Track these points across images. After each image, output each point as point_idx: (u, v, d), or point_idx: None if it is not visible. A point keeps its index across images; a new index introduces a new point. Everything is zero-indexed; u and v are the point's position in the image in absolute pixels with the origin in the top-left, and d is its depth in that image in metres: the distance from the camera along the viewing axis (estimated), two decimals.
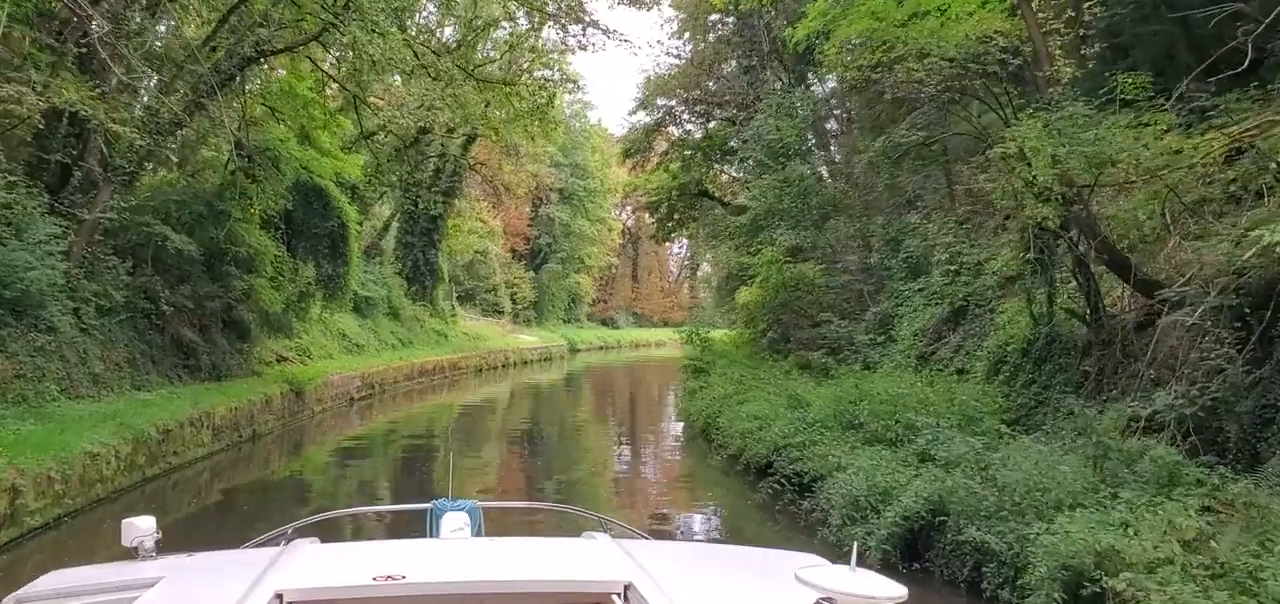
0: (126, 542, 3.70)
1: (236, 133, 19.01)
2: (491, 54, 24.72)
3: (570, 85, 22.58)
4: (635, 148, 34.56)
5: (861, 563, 2.82)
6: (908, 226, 17.75)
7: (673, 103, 32.49)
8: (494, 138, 23.70)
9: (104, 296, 16.12)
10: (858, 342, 16.79)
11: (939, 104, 17.15)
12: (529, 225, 65.24)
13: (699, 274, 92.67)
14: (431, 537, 4.34)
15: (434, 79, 17.76)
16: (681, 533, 12.16)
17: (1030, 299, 12.51)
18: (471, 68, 20.29)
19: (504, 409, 31.59)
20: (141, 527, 3.71)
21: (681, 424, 22.83)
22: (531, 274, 64.27)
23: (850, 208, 18.62)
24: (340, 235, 23.88)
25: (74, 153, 16.27)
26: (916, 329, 15.69)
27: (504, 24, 23.86)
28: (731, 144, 30.94)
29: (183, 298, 18.38)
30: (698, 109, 32.29)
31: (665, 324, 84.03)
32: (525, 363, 48.79)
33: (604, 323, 78.49)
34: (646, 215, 53.84)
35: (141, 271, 17.46)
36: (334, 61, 21.01)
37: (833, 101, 27.12)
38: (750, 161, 27.93)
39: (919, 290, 16.19)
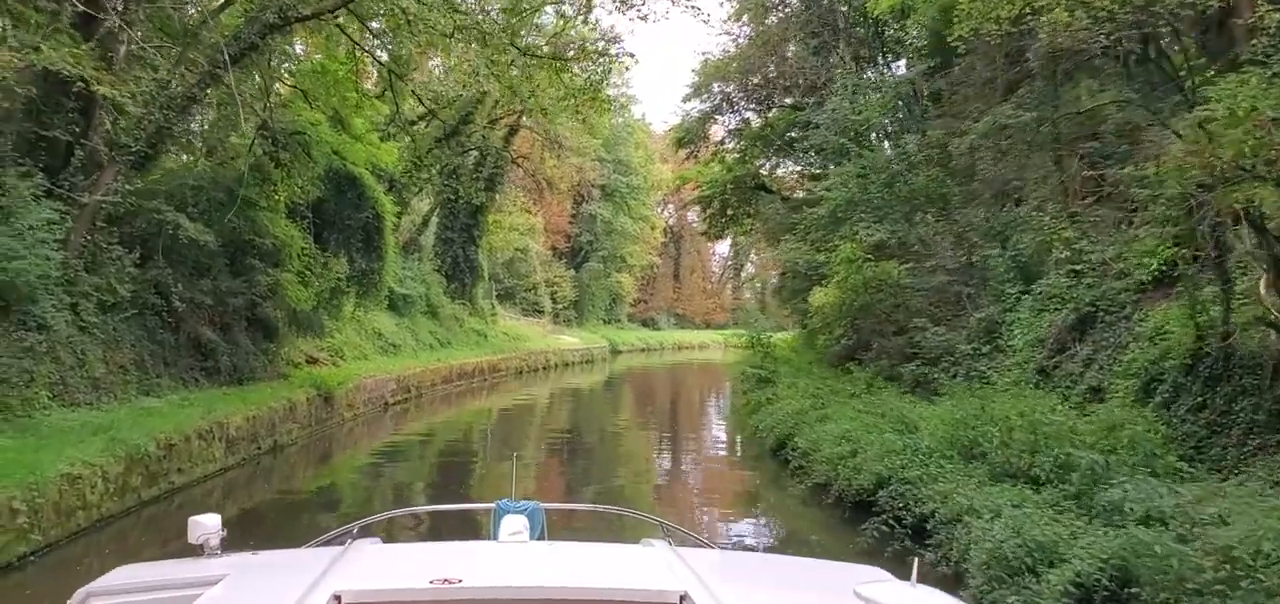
0: (193, 539, 3.75)
1: (262, 113, 17.29)
2: (536, 41, 22.72)
3: (628, 58, 20.46)
4: (689, 137, 32.47)
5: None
6: (1016, 220, 15.48)
7: (730, 88, 30.29)
8: (542, 117, 21.74)
9: (107, 291, 14.40)
10: (959, 352, 14.57)
11: (1051, 78, 15.06)
12: (570, 222, 63.55)
13: (743, 275, 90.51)
14: (494, 538, 4.25)
15: (482, 45, 15.75)
16: None
17: (1194, 305, 10.27)
18: (519, 44, 18.33)
19: (545, 415, 29.69)
20: (207, 524, 3.75)
21: (746, 440, 20.70)
22: (572, 273, 62.58)
23: (947, 198, 16.34)
24: (375, 228, 22.09)
25: (76, 130, 14.54)
26: (1033, 338, 13.45)
27: (548, 8, 21.92)
28: (792, 134, 28.78)
29: (201, 293, 16.71)
30: (757, 96, 30.06)
31: (707, 325, 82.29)
32: (566, 365, 47.04)
33: (645, 323, 76.65)
34: (692, 212, 51.65)
35: (152, 263, 15.71)
36: (370, 34, 19.13)
37: (903, 85, 24.84)
38: (813, 152, 25.75)
39: (1037, 293, 13.92)
